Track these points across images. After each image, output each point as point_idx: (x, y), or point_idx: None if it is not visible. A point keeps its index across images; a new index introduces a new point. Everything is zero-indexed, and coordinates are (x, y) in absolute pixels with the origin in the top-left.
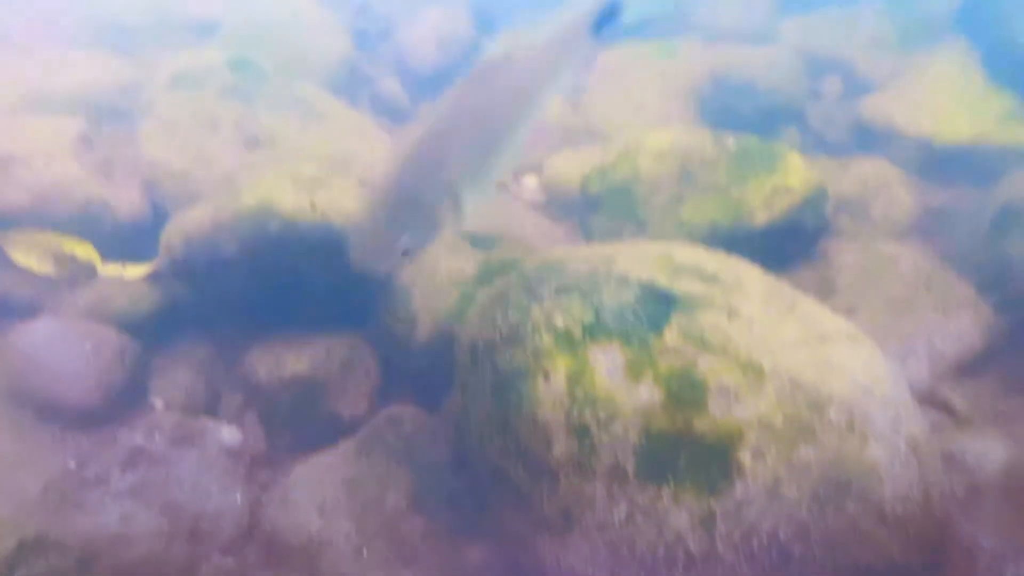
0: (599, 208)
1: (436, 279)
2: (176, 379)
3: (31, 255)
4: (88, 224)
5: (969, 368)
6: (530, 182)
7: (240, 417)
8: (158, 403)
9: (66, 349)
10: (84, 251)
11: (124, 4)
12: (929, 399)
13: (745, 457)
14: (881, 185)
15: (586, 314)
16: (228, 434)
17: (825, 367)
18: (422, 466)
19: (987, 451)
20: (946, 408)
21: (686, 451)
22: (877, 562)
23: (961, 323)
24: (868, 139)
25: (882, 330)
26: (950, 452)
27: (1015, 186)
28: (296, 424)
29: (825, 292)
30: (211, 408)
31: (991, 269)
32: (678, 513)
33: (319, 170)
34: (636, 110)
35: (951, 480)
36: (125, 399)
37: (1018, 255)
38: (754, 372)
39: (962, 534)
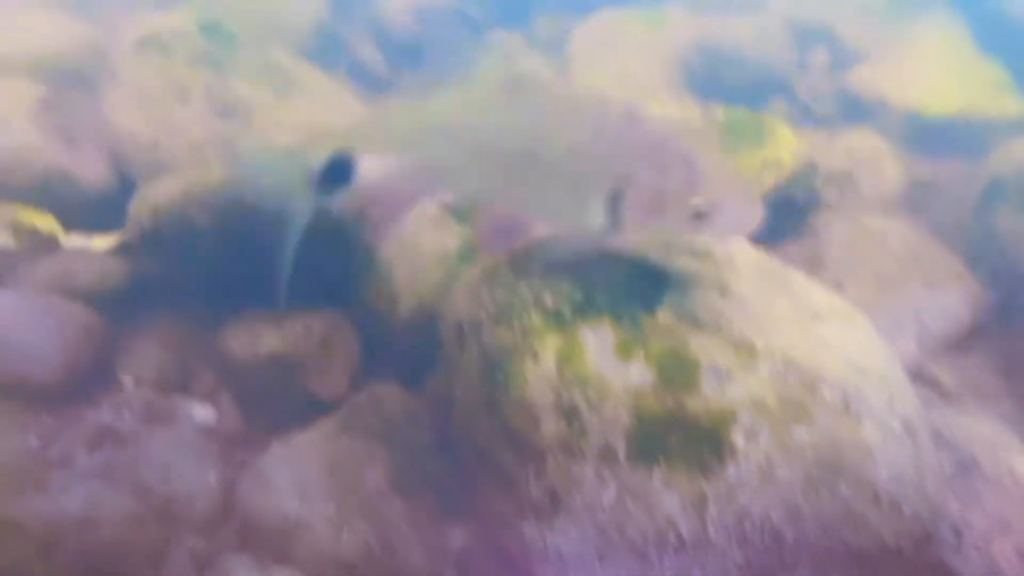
0: None
1: (419, 255)
2: (147, 356)
3: None
4: (50, 195)
5: (957, 343)
6: None
7: (214, 395)
8: (127, 381)
9: (28, 324)
10: (45, 223)
11: None
12: (917, 375)
13: (738, 438)
14: (869, 158)
15: (576, 292)
16: (201, 413)
17: (819, 346)
18: (404, 447)
19: (975, 429)
20: (934, 385)
21: (678, 432)
22: (869, 545)
23: (949, 298)
24: (856, 111)
25: (871, 305)
26: (938, 430)
27: (1004, 158)
28: (273, 403)
29: (813, 267)
30: (184, 386)
31: (980, 243)
32: (669, 496)
33: (295, 141)
34: (622, 80)
35: (940, 459)
36: (92, 377)
37: (1007, 229)
38: (747, 351)
39: (950, 513)
